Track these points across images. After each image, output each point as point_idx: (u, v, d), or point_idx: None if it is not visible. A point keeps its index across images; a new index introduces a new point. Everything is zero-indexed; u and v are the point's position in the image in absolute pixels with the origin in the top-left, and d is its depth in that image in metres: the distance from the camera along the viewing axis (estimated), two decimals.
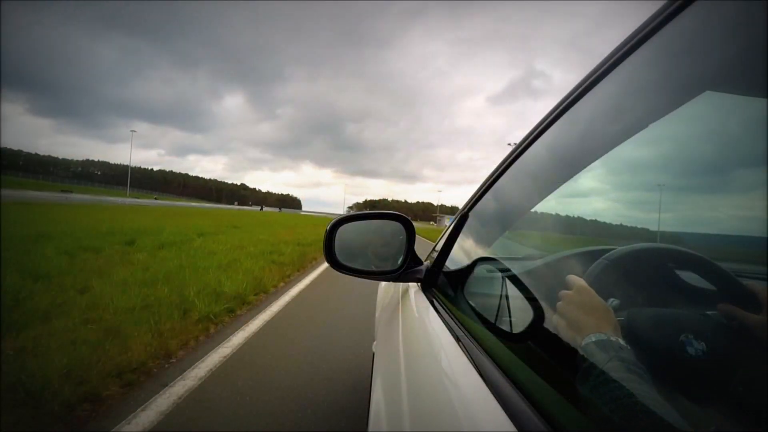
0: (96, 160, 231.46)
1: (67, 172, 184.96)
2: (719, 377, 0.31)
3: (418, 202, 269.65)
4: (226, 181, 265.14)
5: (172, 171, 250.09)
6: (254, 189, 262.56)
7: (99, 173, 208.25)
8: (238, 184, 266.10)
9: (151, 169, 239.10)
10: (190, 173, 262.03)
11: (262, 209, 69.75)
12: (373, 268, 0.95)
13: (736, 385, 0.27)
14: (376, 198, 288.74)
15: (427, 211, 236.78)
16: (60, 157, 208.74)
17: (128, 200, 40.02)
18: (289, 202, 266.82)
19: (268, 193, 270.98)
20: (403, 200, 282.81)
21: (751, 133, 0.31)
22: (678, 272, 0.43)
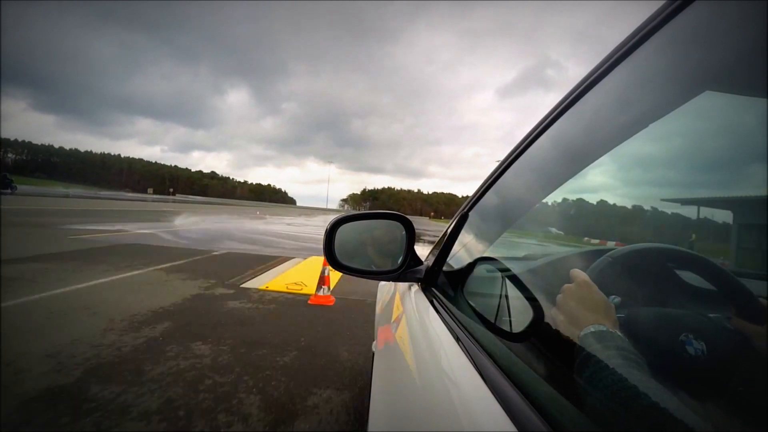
0: (12, 139, 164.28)
1: None
2: (719, 377, 0.31)
3: (435, 193, 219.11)
4: (191, 169, 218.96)
5: (110, 153, 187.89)
6: (226, 178, 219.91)
7: (14, 157, 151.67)
8: (207, 172, 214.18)
9: (77, 150, 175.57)
10: (194, 169, 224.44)
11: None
12: (373, 268, 0.95)
13: (736, 385, 0.27)
14: (379, 187, 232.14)
15: (452, 205, 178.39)
16: None
17: None
18: (269, 195, 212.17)
19: (244, 182, 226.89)
20: (417, 190, 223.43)
21: (751, 133, 0.31)
22: (678, 272, 0.43)
